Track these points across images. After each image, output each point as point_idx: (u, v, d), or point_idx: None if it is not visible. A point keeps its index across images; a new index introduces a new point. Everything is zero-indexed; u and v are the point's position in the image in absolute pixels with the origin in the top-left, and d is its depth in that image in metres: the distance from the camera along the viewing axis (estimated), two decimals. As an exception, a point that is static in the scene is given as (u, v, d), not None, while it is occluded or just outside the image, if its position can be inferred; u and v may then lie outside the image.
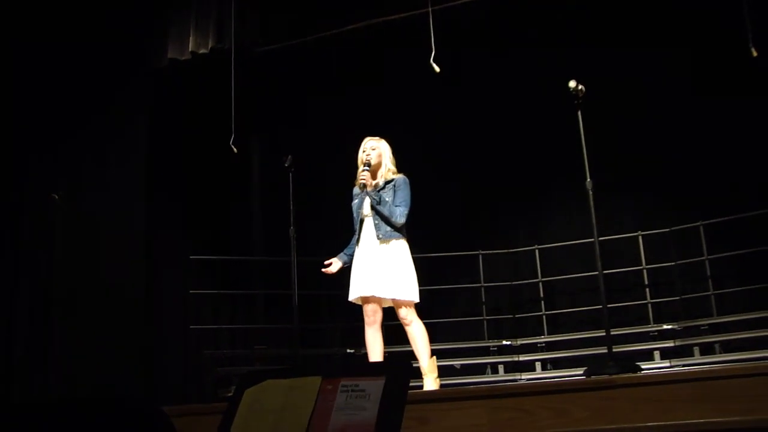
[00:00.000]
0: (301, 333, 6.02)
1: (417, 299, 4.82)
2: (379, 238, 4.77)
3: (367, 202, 4.89)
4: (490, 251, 8.47)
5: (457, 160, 8.56)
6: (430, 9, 6.15)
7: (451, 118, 8.43)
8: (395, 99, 8.27)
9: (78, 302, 6.19)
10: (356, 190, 5.03)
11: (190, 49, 6.66)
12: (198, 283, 7.53)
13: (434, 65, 5.91)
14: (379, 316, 4.87)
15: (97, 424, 1.46)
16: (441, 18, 6.14)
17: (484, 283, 8.37)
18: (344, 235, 5.15)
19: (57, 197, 5.83)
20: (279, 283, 7.25)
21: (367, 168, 4.89)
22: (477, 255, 8.42)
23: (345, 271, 5.08)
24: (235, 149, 6.43)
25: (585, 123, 4.61)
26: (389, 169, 4.97)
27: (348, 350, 7.98)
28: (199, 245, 7.53)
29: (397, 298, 4.74)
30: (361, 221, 4.90)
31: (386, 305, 4.94)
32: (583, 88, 4.62)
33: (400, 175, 4.94)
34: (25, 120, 6.44)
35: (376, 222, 4.80)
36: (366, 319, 4.87)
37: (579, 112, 4.63)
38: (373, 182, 4.90)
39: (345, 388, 1.56)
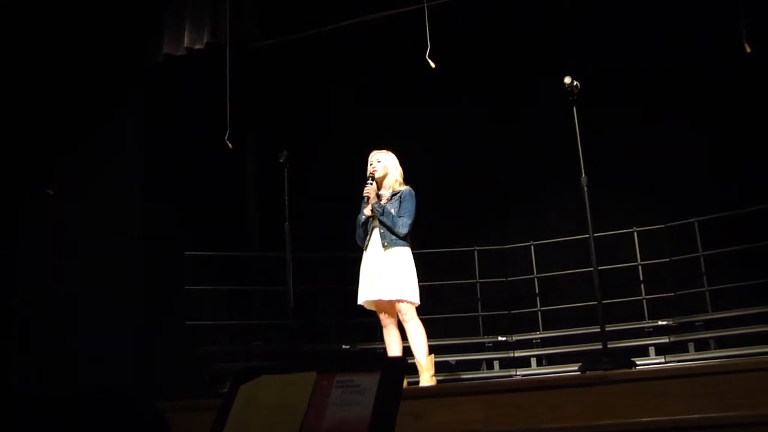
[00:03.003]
0: (297, 328, 6.03)
1: (417, 301, 5.05)
2: (384, 246, 5.06)
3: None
4: (486, 247, 8.47)
5: (452, 156, 8.55)
6: (425, 5, 6.15)
7: (446, 114, 8.41)
8: (391, 94, 8.27)
9: (74, 298, 6.18)
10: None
11: (185, 45, 6.64)
12: (194, 279, 7.53)
13: (430, 61, 5.91)
14: (393, 319, 5.17)
15: (93, 420, 1.46)
16: (436, 14, 6.14)
17: (480, 279, 8.38)
18: (339, 231, 5.21)
19: (51, 192, 5.82)
20: (275, 279, 7.25)
21: (371, 182, 5.17)
22: (472, 251, 8.42)
23: (348, 270, 5.25)
24: (230, 145, 6.42)
25: (580, 119, 4.62)
26: (396, 180, 5.24)
27: (344, 346, 7.98)
28: (195, 241, 7.52)
29: (399, 299, 4.99)
30: (372, 229, 5.15)
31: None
32: (579, 85, 4.63)
33: (407, 187, 5.20)
34: (22, 116, 6.42)
35: (382, 231, 5.08)
36: (382, 322, 5.22)
37: (574, 109, 4.64)
38: (379, 193, 5.19)
39: (340, 384, 1.56)
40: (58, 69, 6.52)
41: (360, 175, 5.46)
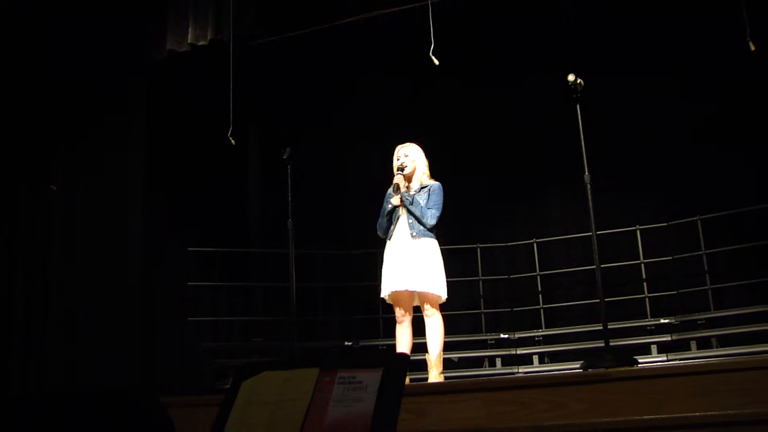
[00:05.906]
0: (299, 325, 6.03)
1: (445, 295, 5.01)
2: (412, 236, 5.00)
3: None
4: (488, 244, 8.47)
5: (454, 153, 8.54)
6: (429, 1, 6.14)
7: (448, 111, 8.41)
8: (393, 91, 8.26)
9: (76, 294, 6.18)
10: (391, 191, 5.21)
11: (189, 41, 6.64)
12: (196, 275, 7.54)
13: (434, 58, 5.91)
14: (409, 316, 5.10)
15: (95, 415, 1.46)
16: (437, 11, 6.14)
17: (482, 276, 8.38)
18: (342, 227, 5.21)
19: (54, 188, 5.82)
20: (277, 276, 7.26)
21: (401, 172, 5.15)
22: (475, 248, 8.42)
23: (349, 266, 5.20)
24: (233, 141, 6.42)
25: (583, 117, 4.61)
26: (424, 173, 5.24)
27: (346, 342, 7.99)
28: (197, 237, 7.53)
29: (427, 291, 4.93)
30: (397, 218, 5.10)
31: (416, 303, 5.13)
32: (582, 82, 4.62)
33: (436, 182, 5.19)
34: (23, 112, 6.41)
35: (410, 221, 5.03)
36: (397, 318, 5.12)
37: (577, 106, 4.64)
38: (408, 185, 5.17)
39: (342, 380, 1.56)
40: (60, 65, 6.51)
41: (362, 173, 5.49)
